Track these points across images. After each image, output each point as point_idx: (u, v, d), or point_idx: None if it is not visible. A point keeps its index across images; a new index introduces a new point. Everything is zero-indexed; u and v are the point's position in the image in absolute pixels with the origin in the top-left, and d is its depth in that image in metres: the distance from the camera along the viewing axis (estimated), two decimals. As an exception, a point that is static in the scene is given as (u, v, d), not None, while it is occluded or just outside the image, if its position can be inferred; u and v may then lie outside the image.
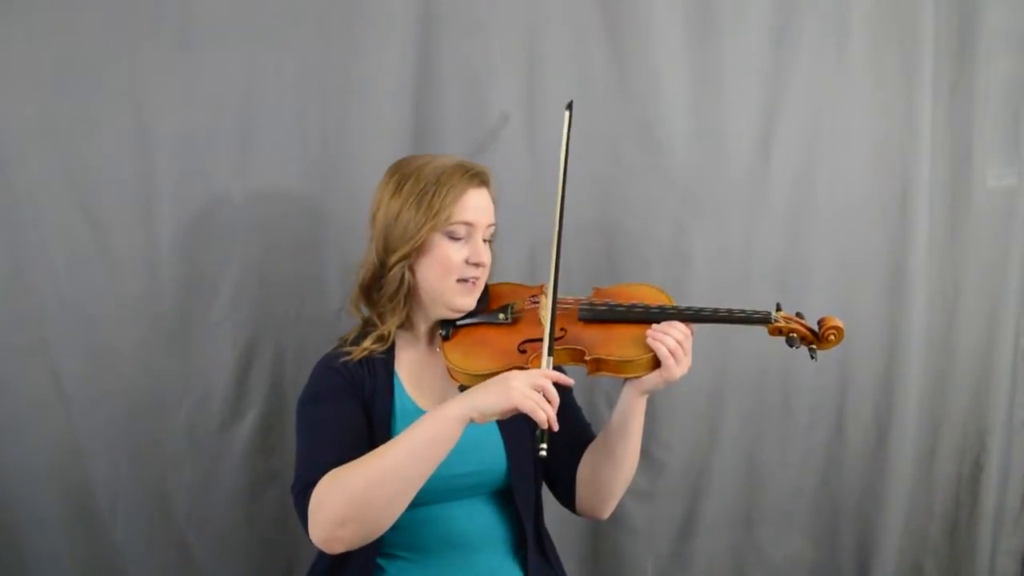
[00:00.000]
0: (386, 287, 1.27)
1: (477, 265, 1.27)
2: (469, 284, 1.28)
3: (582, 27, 1.73)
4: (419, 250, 1.25)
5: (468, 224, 1.26)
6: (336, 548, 1.08)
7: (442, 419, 1.08)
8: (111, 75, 1.52)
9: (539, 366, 1.18)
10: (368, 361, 1.28)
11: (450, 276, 1.26)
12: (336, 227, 1.64)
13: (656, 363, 1.21)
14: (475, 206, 1.26)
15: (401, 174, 1.27)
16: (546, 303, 1.26)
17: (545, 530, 1.39)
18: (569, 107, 1.28)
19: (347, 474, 1.08)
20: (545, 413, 1.07)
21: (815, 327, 1.27)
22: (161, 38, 1.54)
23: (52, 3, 1.49)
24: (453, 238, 1.25)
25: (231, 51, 1.57)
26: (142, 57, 1.53)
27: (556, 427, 1.08)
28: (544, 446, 1.07)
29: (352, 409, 1.23)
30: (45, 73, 1.50)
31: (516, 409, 1.07)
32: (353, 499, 1.06)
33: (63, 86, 1.50)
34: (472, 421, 1.08)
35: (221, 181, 1.59)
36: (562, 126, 1.25)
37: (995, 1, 1.88)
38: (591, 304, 1.30)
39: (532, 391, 1.07)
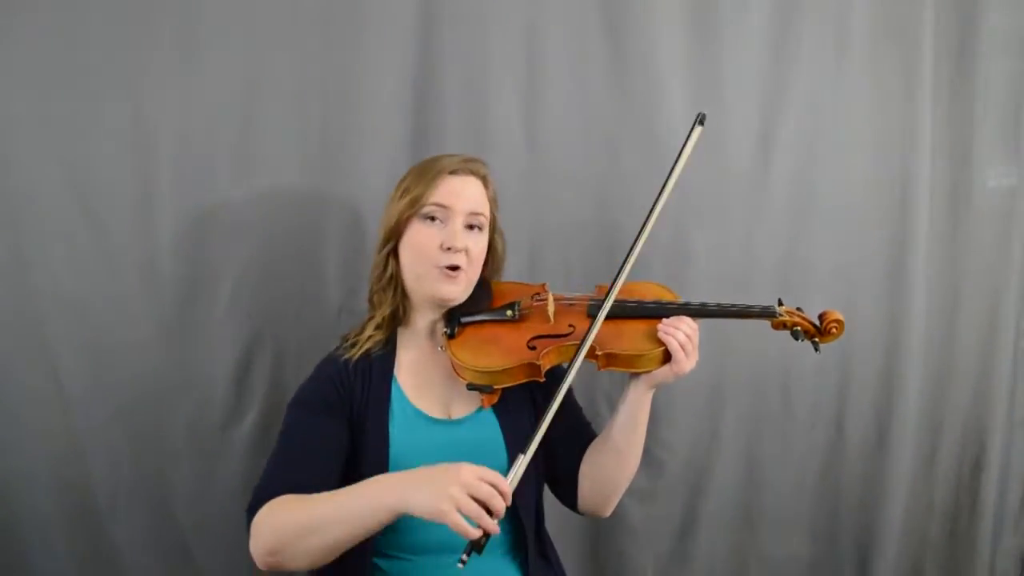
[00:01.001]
0: (374, 272, 1.31)
1: (451, 250, 1.26)
2: (448, 272, 1.27)
3: (582, 27, 1.73)
4: (399, 234, 1.27)
5: (442, 206, 1.26)
6: (269, 569, 1.12)
7: (375, 500, 1.06)
8: (111, 75, 1.52)
9: (551, 362, 1.20)
10: (366, 367, 1.28)
11: (426, 261, 1.26)
12: (336, 227, 1.64)
13: (666, 357, 1.23)
14: (452, 189, 1.27)
15: (406, 174, 1.31)
16: (550, 299, 1.27)
17: (545, 532, 1.39)
18: (701, 122, 1.28)
19: (284, 512, 1.11)
20: (470, 530, 0.99)
21: (817, 321, 1.30)
22: (161, 38, 1.54)
23: (52, 3, 1.49)
24: (428, 218, 1.26)
25: (231, 51, 1.57)
26: (142, 57, 1.53)
27: (496, 531, 1.01)
28: (465, 557, 1.01)
29: (331, 423, 1.24)
30: (45, 73, 1.50)
31: (440, 519, 0.99)
32: (282, 537, 1.09)
33: (63, 86, 1.50)
34: (404, 513, 1.04)
35: (221, 181, 1.59)
36: (687, 138, 1.27)
37: (995, 1, 1.89)
38: (600, 301, 1.31)
39: (467, 501, 0.99)
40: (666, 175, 1.25)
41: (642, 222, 1.26)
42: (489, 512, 1.01)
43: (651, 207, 1.26)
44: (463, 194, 1.28)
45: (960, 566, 2.05)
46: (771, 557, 1.95)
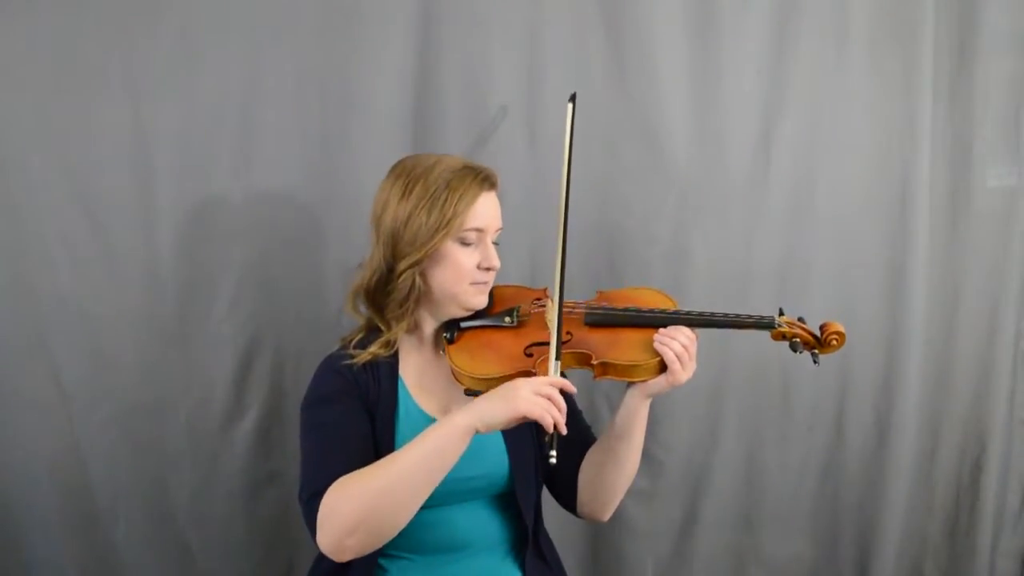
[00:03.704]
0: (395, 293, 1.26)
1: (488, 269, 1.27)
2: (482, 285, 1.28)
3: (582, 27, 1.72)
4: (430, 256, 1.24)
5: (479, 230, 1.26)
6: (345, 556, 1.09)
7: (448, 429, 1.09)
8: (111, 75, 1.52)
9: (546, 370, 1.18)
10: (372, 365, 1.27)
11: (463, 281, 1.26)
12: (336, 227, 1.64)
13: (662, 367, 1.22)
14: (485, 211, 1.26)
15: (408, 176, 1.25)
16: (552, 307, 1.26)
17: (545, 532, 1.39)
18: (572, 99, 1.28)
19: (355, 483, 1.08)
20: (552, 417, 1.07)
21: (817, 332, 1.28)
22: (161, 38, 1.54)
23: (52, 3, 1.49)
24: (465, 243, 1.25)
25: (231, 51, 1.57)
26: (142, 57, 1.53)
27: (564, 431, 1.08)
28: (554, 452, 1.07)
29: (357, 412, 1.22)
30: (45, 73, 1.50)
31: (523, 417, 1.07)
32: (362, 508, 1.06)
33: (63, 86, 1.50)
34: (478, 431, 1.09)
35: (221, 181, 1.59)
36: (565, 121, 1.26)
37: (995, 1, 1.88)
38: (597, 308, 1.31)
39: (537, 398, 1.08)
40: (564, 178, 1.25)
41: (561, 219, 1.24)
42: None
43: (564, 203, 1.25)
44: (495, 214, 1.28)
45: (960, 566, 2.05)
46: (771, 558, 1.95)
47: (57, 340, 1.55)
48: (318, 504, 1.09)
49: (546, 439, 1.08)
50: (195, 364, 1.61)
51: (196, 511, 1.65)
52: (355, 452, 1.17)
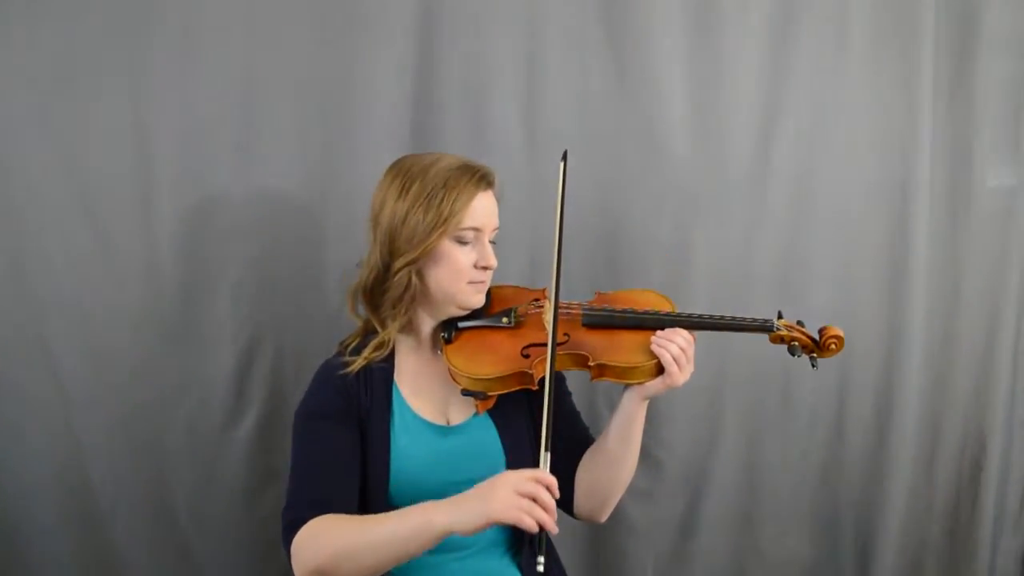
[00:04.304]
0: (391, 291, 1.26)
1: (485, 268, 1.27)
2: (479, 284, 1.28)
3: (582, 27, 1.72)
4: (427, 255, 1.24)
5: (476, 229, 1.26)
6: None
7: (424, 522, 1.07)
8: (111, 75, 1.52)
9: (543, 371, 1.18)
10: (367, 373, 1.27)
11: (460, 280, 1.26)
12: (336, 227, 1.64)
13: (659, 369, 1.22)
14: (483, 210, 1.26)
15: (406, 175, 1.25)
16: (549, 309, 1.26)
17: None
18: (564, 158, 1.27)
19: (330, 531, 1.12)
20: (535, 519, 1.00)
21: (816, 336, 1.28)
22: (161, 38, 1.54)
23: (52, 3, 1.49)
24: (462, 242, 1.25)
25: (231, 51, 1.57)
26: (142, 57, 1.53)
27: (554, 531, 1.02)
28: (541, 559, 1.00)
29: (346, 432, 1.23)
30: (45, 73, 1.50)
31: (497, 521, 1.02)
32: (329, 558, 1.10)
33: (63, 86, 1.50)
34: (454, 533, 1.05)
35: (221, 181, 1.59)
36: (557, 178, 1.25)
37: (995, 1, 1.88)
38: (594, 310, 1.31)
39: (518, 499, 1.01)
40: (557, 214, 1.24)
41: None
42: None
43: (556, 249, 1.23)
44: (492, 213, 1.28)
45: (960, 566, 2.05)
46: (771, 557, 1.95)
47: (57, 340, 1.55)
48: (293, 535, 1.14)
49: (533, 540, 1.03)
50: (195, 364, 1.61)
51: (196, 511, 1.65)
52: (339, 477, 1.20)
